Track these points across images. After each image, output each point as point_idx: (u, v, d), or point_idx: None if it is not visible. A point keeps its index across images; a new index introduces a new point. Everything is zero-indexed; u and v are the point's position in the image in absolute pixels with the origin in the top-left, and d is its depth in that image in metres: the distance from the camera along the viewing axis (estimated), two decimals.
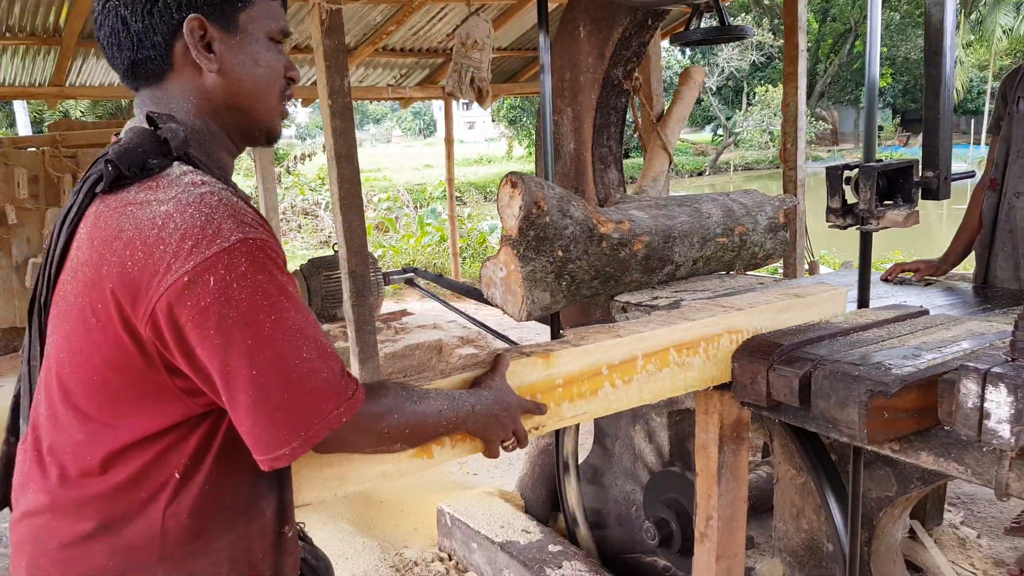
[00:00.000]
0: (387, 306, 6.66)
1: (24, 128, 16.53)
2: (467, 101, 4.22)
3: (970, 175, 1.87)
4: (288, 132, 33.37)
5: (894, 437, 1.34)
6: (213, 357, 0.94)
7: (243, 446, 1.00)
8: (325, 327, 5.86)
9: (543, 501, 3.22)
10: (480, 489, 3.46)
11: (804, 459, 1.83)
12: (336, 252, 5.86)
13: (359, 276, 3.96)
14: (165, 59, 1.09)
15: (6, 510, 1.21)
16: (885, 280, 2.66)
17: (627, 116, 3.11)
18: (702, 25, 2.54)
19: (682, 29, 3.10)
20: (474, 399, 1.21)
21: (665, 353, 1.51)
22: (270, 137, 1.19)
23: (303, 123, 31.52)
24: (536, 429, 1.37)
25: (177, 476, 1.03)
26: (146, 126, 1.05)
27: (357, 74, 7.51)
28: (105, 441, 1.03)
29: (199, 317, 0.93)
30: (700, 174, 28.31)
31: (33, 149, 6.98)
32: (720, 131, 31.07)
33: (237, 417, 0.98)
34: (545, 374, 1.37)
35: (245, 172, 15.46)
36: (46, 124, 15.00)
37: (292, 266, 8.15)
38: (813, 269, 5.19)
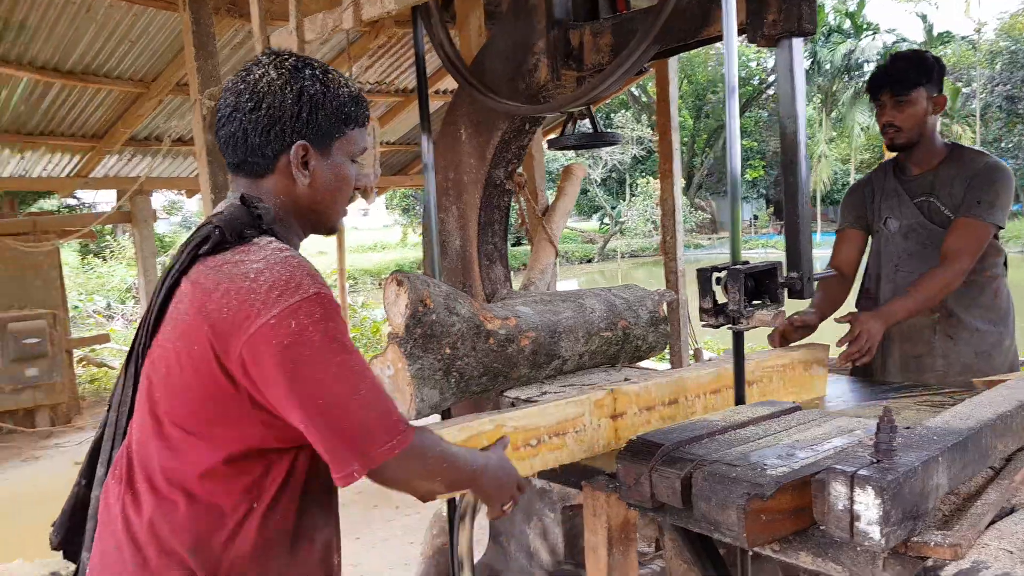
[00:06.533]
0: None
1: None
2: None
3: (830, 274, 1.99)
4: (176, 219, 32.40)
5: (774, 538, 1.35)
6: (290, 388, 1.15)
7: (303, 483, 1.27)
8: None
9: None
10: None
11: (692, 555, 1.82)
12: None
13: None
14: (269, 166, 1.34)
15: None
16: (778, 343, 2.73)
17: (510, 213, 3.18)
18: (578, 129, 2.65)
19: (560, 131, 3.23)
20: (485, 459, 1.46)
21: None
22: (332, 231, 1.46)
23: (191, 212, 30.70)
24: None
25: (254, 507, 1.23)
26: (241, 204, 1.30)
27: None
28: (197, 463, 1.21)
29: (281, 353, 1.13)
30: (589, 261, 29.23)
31: None
32: (606, 220, 32.35)
33: (313, 440, 1.19)
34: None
35: (128, 262, 14.76)
36: None
37: None
38: (698, 356, 5.36)
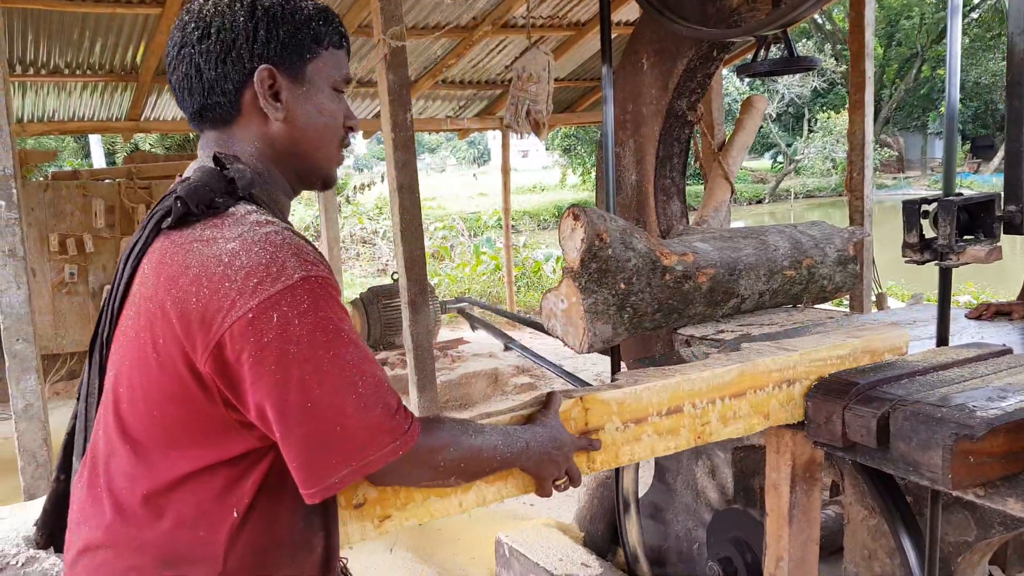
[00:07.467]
0: (443, 334, 6.70)
1: (98, 160, 17.25)
2: (524, 133, 4.25)
3: None
4: (347, 162, 34.24)
5: (979, 482, 1.28)
6: (270, 391, 0.95)
7: (292, 483, 1.02)
8: (383, 354, 5.92)
9: (602, 535, 3.17)
10: (538, 520, 3.43)
11: (878, 501, 1.76)
12: (395, 280, 5.93)
13: (418, 305, 3.99)
14: (234, 105, 1.12)
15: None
16: (976, 319, 2.56)
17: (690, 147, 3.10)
18: (769, 56, 2.52)
19: (746, 58, 3.09)
20: (529, 435, 1.22)
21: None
22: (326, 183, 1.22)
23: (360, 154, 32.28)
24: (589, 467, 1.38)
25: (236, 515, 1.03)
26: (212, 166, 1.08)
27: (417, 106, 7.66)
28: (161, 473, 1.03)
29: (260, 352, 0.94)
30: (759, 202, 27.90)
31: (109, 181, 7.30)
32: (780, 158, 30.64)
33: (289, 449, 0.98)
34: None
35: (307, 202, 15.86)
36: (118, 155, 15.65)
37: (352, 294, 8.29)
38: (881, 302, 5.04)
